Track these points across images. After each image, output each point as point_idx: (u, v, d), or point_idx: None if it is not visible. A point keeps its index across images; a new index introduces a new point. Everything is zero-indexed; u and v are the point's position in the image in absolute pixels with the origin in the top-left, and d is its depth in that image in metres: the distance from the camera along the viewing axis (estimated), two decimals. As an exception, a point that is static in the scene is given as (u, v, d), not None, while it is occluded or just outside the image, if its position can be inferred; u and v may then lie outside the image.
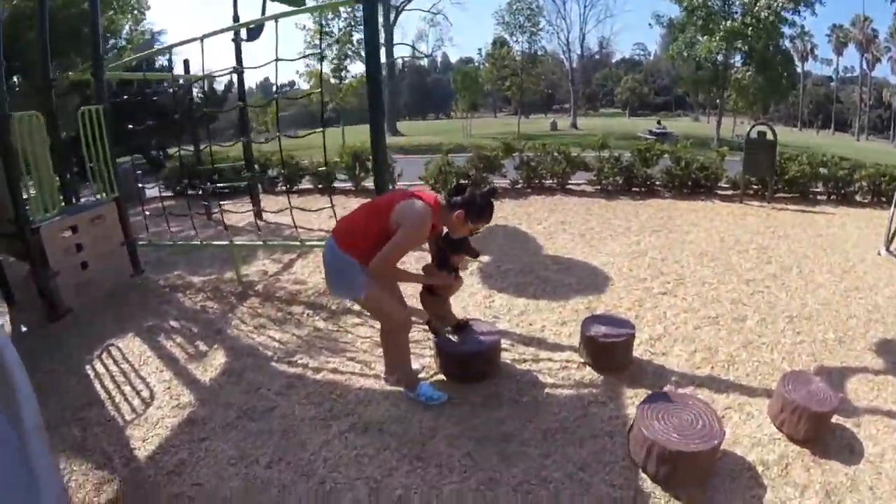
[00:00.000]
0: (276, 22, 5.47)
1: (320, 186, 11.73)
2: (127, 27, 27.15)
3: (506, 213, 9.39)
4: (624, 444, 3.31)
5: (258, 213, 9.95)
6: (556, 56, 58.48)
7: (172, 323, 5.46)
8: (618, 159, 10.66)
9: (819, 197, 10.65)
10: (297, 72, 27.76)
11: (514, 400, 3.86)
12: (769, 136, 10.27)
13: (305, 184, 12.31)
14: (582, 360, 4.29)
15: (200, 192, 8.96)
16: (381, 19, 41.93)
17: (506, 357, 4.41)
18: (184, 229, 7.76)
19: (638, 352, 4.38)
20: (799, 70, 38.92)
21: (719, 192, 10.68)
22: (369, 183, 11.50)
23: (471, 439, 3.44)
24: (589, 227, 8.33)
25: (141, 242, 7.16)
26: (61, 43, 14.13)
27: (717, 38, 27.91)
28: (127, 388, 4.32)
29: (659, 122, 38.11)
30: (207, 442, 3.54)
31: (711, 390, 3.92)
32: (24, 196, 6.00)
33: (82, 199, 7.48)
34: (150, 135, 8.31)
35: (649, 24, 35.13)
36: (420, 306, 4.23)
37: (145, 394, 4.21)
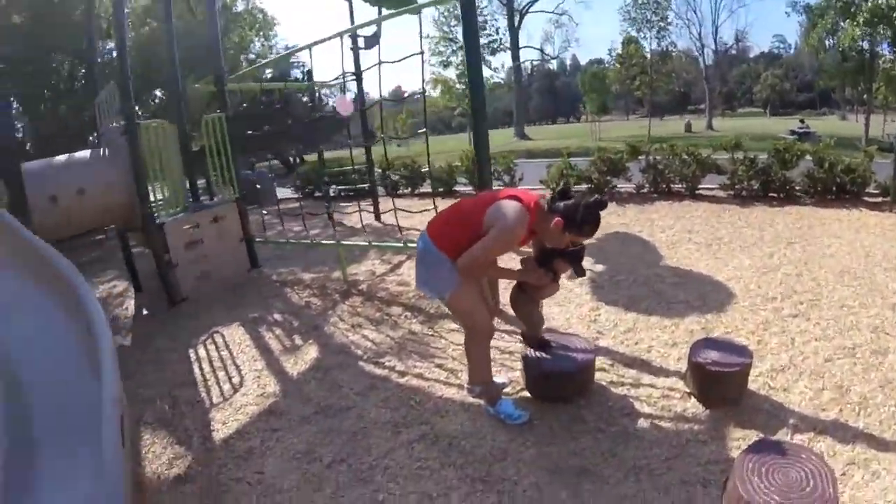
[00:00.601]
0: (379, 26, 5.51)
1: (441, 190, 11.85)
2: (258, 43, 28.80)
3: (627, 219, 8.87)
4: (718, 498, 2.83)
5: (377, 215, 10.23)
6: (689, 53, 55.62)
7: (276, 316, 5.88)
8: (753, 161, 9.67)
9: None
10: (425, 81, 28.29)
11: (600, 429, 3.48)
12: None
13: (426, 187, 12.60)
14: (687, 390, 3.81)
15: (321, 195, 9.65)
16: (504, 21, 41.99)
17: (602, 378, 4.05)
18: (305, 229, 8.06)
19: (755, 384, 3.83)
20: None
21: (867, 198, 9.37)
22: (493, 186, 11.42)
23: (543, 468, 3.15)
24: (717, 236, 7.61)
25: (258, 239, 7.64)
26: (197, 59, 15.11)
27: (861, 21, 24.63)
28: (221, 373, 4.71)
29: (802, 121, 34.88)
30: (280, 433, 3.70)
31: (835, 439, 3.29)
32: (155, 196, 6.88)
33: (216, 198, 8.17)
34: (275, 142, 8.72)
35: (786, 13, 32.12)
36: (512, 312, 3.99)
37: (236, 380, 4.55)
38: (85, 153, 7.13)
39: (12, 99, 19.73)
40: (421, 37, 5.14)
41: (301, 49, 6.79)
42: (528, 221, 3.21)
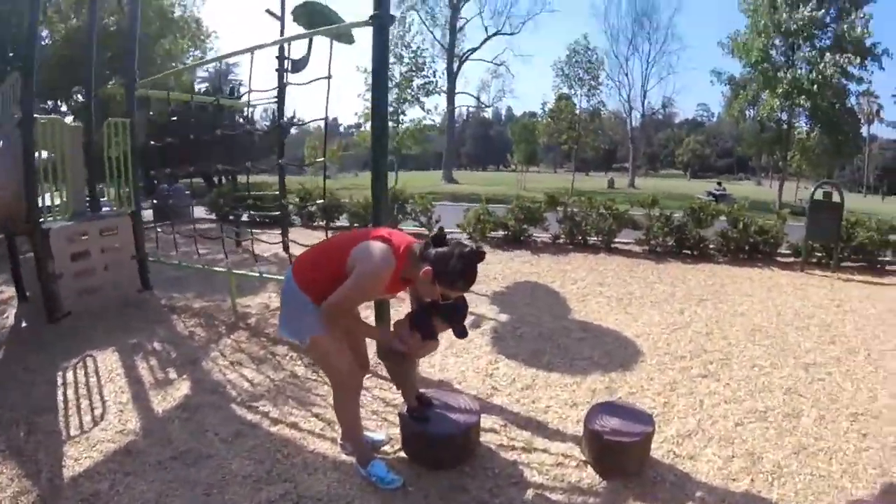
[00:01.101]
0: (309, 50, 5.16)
1: (356, 225, 11.50)
2: (190, 53, 27.81)
3: (540, 269, 8.59)
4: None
5: (285, 246, 9.64)
6: (618, 114, 57.66)
7: (156, 344, 5.48)
8: (669, 218, 9.70)
9: (889, 267, 9.33)
10: (356, 113, 27.66)
11: (482, 500, 3.02)
12: (835, 197, 9.26)
13: (343, 220, 12.28)
14: (584, 458, 3.38)
15: (232, 218, 9.13)
16: (443, 65, 42.32)
17: (491, 440, 3.59)
18: (211, 252, 7.70)
19: (659, 451, 3.46)
20: (864, 133, 36.60)
21: (779, 258, 9.57)
22: (407, 226, 11.12)
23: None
24: (629, 290, 7.39)
25: (151, 258, 7.26)
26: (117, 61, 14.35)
27: (780, 92, 25.82)
28: (85, 402, 4.33)
29: (719, 184, 36.29)
30: (131, 478, 3.32)
31: (748, 514, 2.93)
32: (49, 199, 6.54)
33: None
34: (201, 154, 8.09)
35: (711, 82, 33.59)
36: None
37: (98, 412, 4.17)
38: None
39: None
40: (329, 61, 4.73)
41: (209, 61, 6.49)
42: (394, 267, 2.83)
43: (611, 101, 68.41)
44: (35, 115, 6.04)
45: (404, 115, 31.56)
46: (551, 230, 10.43)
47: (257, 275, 6.34)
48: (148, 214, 11.54)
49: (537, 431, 3.74)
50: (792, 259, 9.47)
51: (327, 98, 4.81)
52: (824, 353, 5.33)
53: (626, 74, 53.47)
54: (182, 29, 27.10)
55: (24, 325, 6.24)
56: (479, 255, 2.82)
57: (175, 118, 8.80)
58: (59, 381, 4.77)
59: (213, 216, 12.91)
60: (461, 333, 3.01)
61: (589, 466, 3.30)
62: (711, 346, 5.39)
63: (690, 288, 7.57)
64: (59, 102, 26.56)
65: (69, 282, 6.21)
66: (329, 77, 4.78)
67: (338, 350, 3.07)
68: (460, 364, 4.89)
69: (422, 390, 3.58)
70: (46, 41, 22.34)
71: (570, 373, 4.72)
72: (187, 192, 13.54)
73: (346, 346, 3.17)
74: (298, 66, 8.97)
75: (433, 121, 37.14)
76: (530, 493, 3.10)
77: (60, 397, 4.48)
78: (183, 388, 4.52)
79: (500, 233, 10.42)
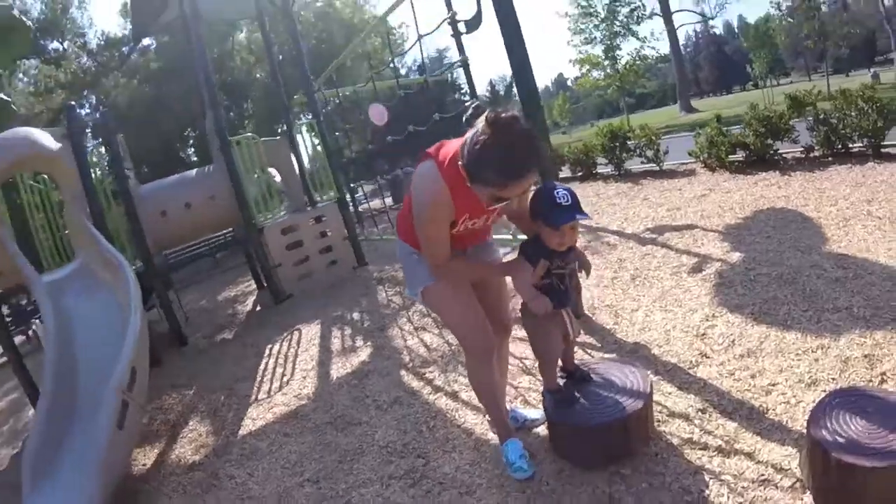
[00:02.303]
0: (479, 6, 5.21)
1: (580, 173, 10.63)
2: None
3: (790, 191, 6.75)
4: None
5: None
6: None
7: (354, 315, 5.83)
8: None
9: None
10: (570, 60, 25.95)
11: None
12: None
13: (565, 171, 11.40)
14: (800, 477, 2.26)
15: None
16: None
17: (676, 430, 2.73)
18: None
19: None
20: None
21: None
22: (633, 164, 10.04)
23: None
24: None
25: (361, 238, 8.23)
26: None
27: None
28: (280, 370, 4.86)
29: None
30: (289, 439, 3.66)
31: None
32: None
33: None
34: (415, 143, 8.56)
35: None
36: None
37: (287, 379, 4.65)
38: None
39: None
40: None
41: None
42: (443, 184, 2.22)
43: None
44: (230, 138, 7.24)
45: (619, 48, 28.89)
46: (801, 142, 8.26)
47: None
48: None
49: (748, 423, 2.69)
50: None
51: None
52: None
53: None
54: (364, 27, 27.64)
55: (258, 308, 7.37)
56: (507, 125, 1.98)
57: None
58: (266, 352, 5.34)
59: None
60: (581, 264, 2.54)
61: (808, 494, 2.18)
62: None
63: None
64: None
65: (288, 269, 7.27)
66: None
67: (453, 301, 2.59)
68: (668, 320, 3.93)
69: (588, 358, 2.87)
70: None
71: (815, 332, 3.39)
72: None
73: (468, 299, 2.61)
74: (471, 25, 8.42)
75: (654, 49, 33.59)
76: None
77: (262, 367, 5.00)
78: (363, 355, 4.67)
79: (740, 155, 8.56)
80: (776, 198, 6.65)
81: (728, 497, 2.28)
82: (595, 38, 29.88)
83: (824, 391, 2.72)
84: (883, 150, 7.58)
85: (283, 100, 8.75)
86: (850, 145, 7.89)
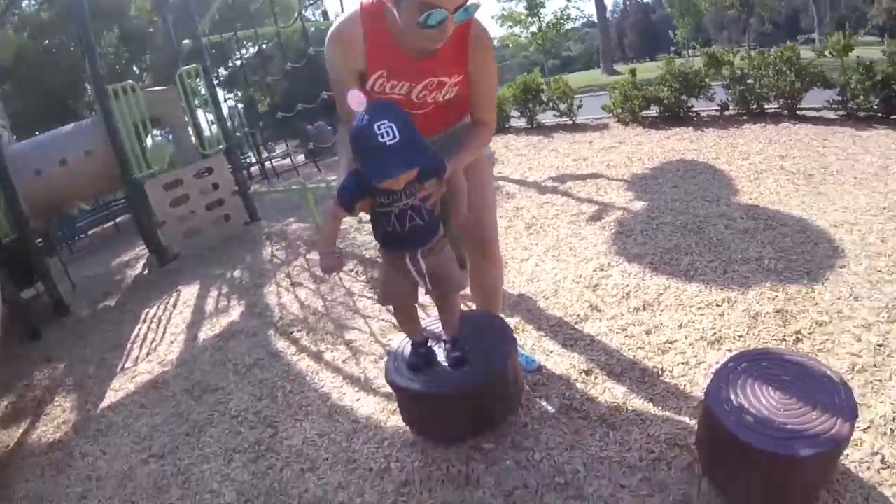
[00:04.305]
0: None
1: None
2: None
3: (702, 145, 6.39)
4: None
5: None
6: None
7: (235, 273, 5.30)
8: (870, 68, 7.05)
9: None
10: (492, 17, 24.83)
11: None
12: None
13: None
14: (696, 460, 1.80)
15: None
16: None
17: (552, 395, 2.25)
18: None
19: (858, 454, 1.74)
20: None
21: None
22: (545, 117, 9.49)
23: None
24: (822, 163, 5.04)
25: (254, 189, 7.76)
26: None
27: None
28: (150, 336, 4.42)
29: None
30: (144, 410, 3.25)
31: None
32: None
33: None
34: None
35: None
36: None
37: (155, 345, 4.23)
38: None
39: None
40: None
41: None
42: (354, 22, 1.78)
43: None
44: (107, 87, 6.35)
45: (543, 6, 28.03)
46: (717, 99, 8.00)
47: (325, 185, 5.86)
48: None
49: (639, 387, 2.21)
50: None
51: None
52: None
53: None
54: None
55: (145, 272, 6.77)
56: None
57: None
58: (142, 318, 4.91)
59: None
60: (395, 245, 1.89)
61: (705, 480, 1.72)
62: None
63: (913, 158, 5.20)
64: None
65: (174, 227, 6.55)
66: None
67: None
68: (559, 270, 3.46)
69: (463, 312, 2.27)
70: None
71: (721, 284, 2.96)
72: (329, 127, 13.21)
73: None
74: None
75: (580, 10, 32.77)
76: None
77: (135, 333, 4.58)
78: (233, 315, 4.20)
79: (654, 110, 8.20)
80: (687, 150, 6.30)
81: (608, 480, 1.79)
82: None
83: (729, 351, 2.31)
84: (798, 111, 7.38)
85: (174, 45, 7.83)
86: (766, 105, 7.66)
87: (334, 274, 2.08)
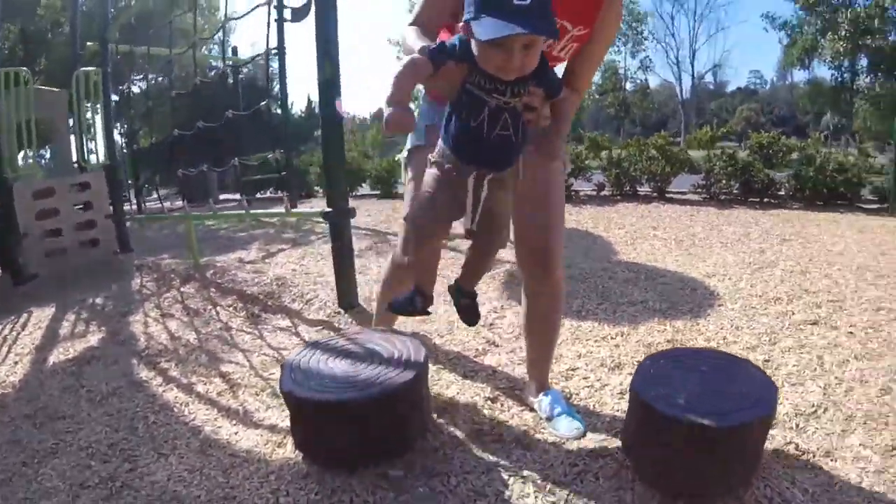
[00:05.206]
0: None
1: (378, 192, 10.04)
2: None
3: (580, 217, 6.76)
4: None
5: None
6: (667, 85, 53.45)
7: (98, 300, 4.67)
8: (732, 157, 7.75)
9: None
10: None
11: None
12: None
13: (365, 188, 10.62)
14: (626, 461, 1.77)
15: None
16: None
17: (461, 421, 2.11)
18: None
19: (769, 444, 1.85)
20: None
21: (863, 204, 7.56)
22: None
23: None
24: (690, 232, 5.61)
25: (129, 217, 6.61)
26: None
27: (842, 35, 22.26)
28: None
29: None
30: None
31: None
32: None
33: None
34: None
35: (764, 29, 29.38)
36: None
37: None
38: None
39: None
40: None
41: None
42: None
43: (658, 65, 64.48)
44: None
45: None
46: (594, 180, 8.61)
47: (211, 213, 5.53)
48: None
49: None
50: (878, 206, 7.43)
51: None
52: (971, 298, 3.61)
53: (673, 35, 48.48)
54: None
55: None
56: None
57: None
58: None
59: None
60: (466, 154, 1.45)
61: (637, 484, 1.68)
62: (812, 285, 3.67)
63: (766, 229, 5.74)
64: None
65: (36, 242, 5.58)
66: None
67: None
68: (452, 313, 3.37)
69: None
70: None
71: (613, 321, 3.10)
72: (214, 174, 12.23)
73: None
74: (299, 14, 7.65)
75: None
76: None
77: None
78: (92, 340, 3.69)
79: None
80: (567, 221, 6.52)
81: (536, 497, 1.68)
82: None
83: (630, 374, 2.27)
84: (667, 194, 8.03)
85: (75, 48, 7.20)
86: (639, 188, 8.24)
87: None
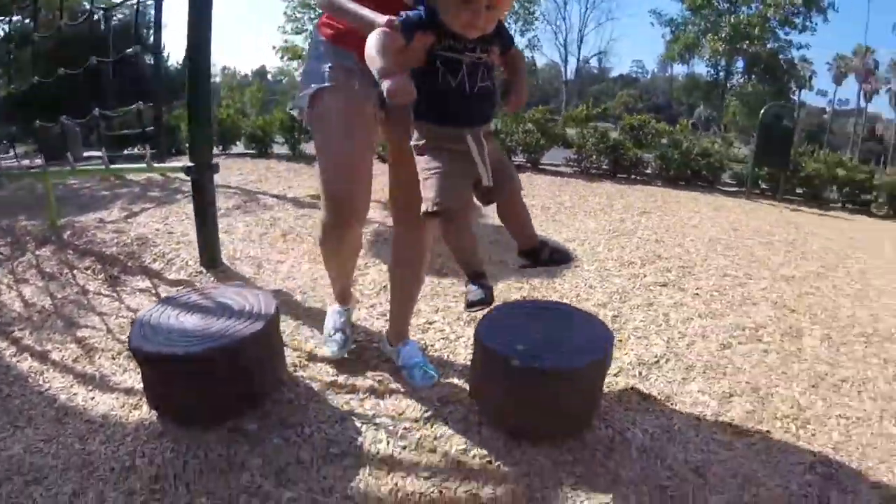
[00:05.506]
0: None
1: (253, 149, 9.60)
2: None
3: None
4: None
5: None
6: (553, 65, 55.05)
7: None
8: (604, 135, 8.20)
9: (833, 205, 8.16)
10: (274, 47, 23.84)
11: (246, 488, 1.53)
12: (786, 121, 8.00)
13: (240, 147, 10.14)
14: (475, 408, 1.81)
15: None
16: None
17: (316, 374, 2.06)
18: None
19: (614, 389, 1.98)
20: (795, 97, 35.51)
21: (722, 187, 8.26)
22: (309, 148, 9.37)
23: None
24: (558, 201, 5.84)
25: None
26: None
27: (722, 37, 24.35)
28: None
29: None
30: None
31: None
32: None
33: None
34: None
35: (651, 23, 31.22)
36: None
37: None
38: None
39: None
40: None
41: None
42: None
43: (546, 45, 66.44)
44: None
45: None
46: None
47: (69, 170, 4.92)
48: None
49: None
50: (735, 189, 8.17)
51: None
52: (800, 267, 3.98)
53: (564, 18, 49.90)
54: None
55: None
56: None
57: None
58: None
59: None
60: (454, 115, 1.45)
61: (484, 427, 1.72)
62: (666, 252, 3.93)
63: (630, 202, 6.07)
64: None
65: None
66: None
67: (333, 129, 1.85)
68: (315, 271, 3.29)
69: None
70: None
71: None
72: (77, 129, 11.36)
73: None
74: None
75: None
76: (361, 482, 1.57)
77: None
78: None
79: None
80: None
81: (388, 442, 1.69)
82: (307, 29, 28.12)
83: None
84: (540, 166, 8.24)
85: None
86: (514, 158, 8.41)
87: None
